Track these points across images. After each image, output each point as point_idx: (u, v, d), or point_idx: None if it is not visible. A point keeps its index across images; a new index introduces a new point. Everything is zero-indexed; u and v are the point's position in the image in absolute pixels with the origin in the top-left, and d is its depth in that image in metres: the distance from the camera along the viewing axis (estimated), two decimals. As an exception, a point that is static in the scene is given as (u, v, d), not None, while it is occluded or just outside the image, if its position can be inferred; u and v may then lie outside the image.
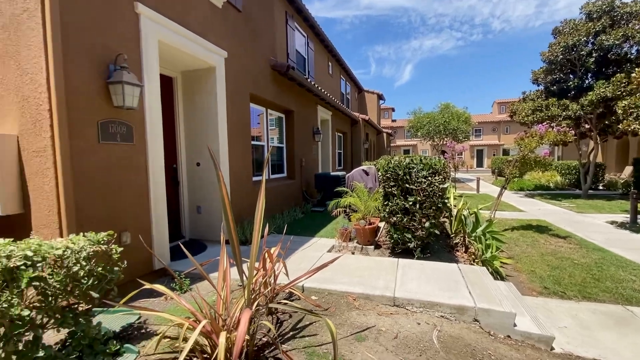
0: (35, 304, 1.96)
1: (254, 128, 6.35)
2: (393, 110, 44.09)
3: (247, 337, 1.81)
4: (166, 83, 4.64)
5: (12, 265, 1.82)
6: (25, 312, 1.86)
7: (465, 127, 21.82)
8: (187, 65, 4.64)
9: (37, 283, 1.91)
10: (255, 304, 2.18)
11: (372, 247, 4.62)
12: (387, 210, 4.33)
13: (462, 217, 5.12)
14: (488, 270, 3.88)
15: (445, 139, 21.69)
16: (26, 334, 1.89)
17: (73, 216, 2.74)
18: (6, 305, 1.77)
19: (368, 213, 4.84)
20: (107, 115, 3.04)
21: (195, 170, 5.01)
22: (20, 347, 1.88)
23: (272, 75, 6.65)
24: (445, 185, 4.26)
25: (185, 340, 2.05)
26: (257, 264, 2.48)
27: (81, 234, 2.27)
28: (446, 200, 4.48)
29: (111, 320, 2.64)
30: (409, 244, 4.21)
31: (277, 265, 2.85)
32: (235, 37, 5.25)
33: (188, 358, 2.01)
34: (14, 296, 1.82)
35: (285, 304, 2.67)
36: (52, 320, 2.04)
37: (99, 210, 3.00)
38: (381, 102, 23.76)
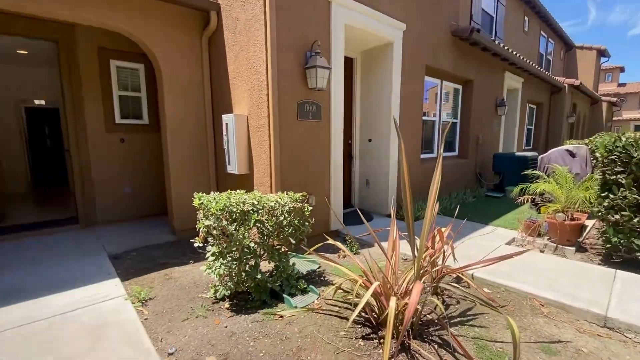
0: (255, 240, 2.66)
1: (424, 103, 6.06)
2: (621, 70, 31.65)
3: (418, 307, 1.84)
4: (347, 64, 5.02)
5: (245, 209, 2.52)
6: (251, 244, 2.56)
7: None
8: (367, 44, 4.85)
9: (259, 225, 2.57)
10: (423, 279, 2.17)
11: (573, 248, 3.66)
12: (604, 204, 3.28)
13: None
14: None
15: None
16: (250, 260, 2.62)
17: (279, 178, 3.49)
18: (241, 237, 2.48)
19: (571, 205, 3.82)
20: (303, 97, 3.62)
21: (366, 146, 5.32)
22: (247, 268, 2.61)
23: (452, 42, 6.05)
24: None
25: (358, 296, 2.29)
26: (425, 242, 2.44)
27: (285, 192, 2.87)
28: None
29: (300, 264, 3.26)
30: (637, 254, 3.08)
31: (445, 247, 2.72)
32: (414, 7, 5.03)
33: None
34: (245, 231, 2.52)
35: (455, 287, 2.53)
36: (265, 254, 2.72)
37: (294, 175, 3.68)
38: (603, 60, 17.57)
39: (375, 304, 2.25)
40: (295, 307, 2.52)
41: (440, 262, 2.66)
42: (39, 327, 2.26)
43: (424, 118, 6.10)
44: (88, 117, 4.50)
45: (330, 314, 2.44)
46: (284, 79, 3.42)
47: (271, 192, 3.50)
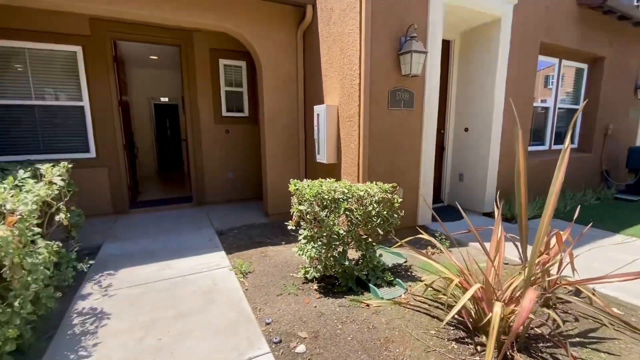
0: (344, 227, 2.71)
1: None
2: None
3: (531, 316, 1.63)
4: (443, 47, 4.64)
5: (336, 197, 2.57)
6: (340, 231, 2.62)
7: None
8: (468, 23, 4.40)
9: (348, 213, 2.60)
10: (534, 287, 1.91)
11: None
12: None
13: None
14: None
15: None
16: (339, 247, 2.68)
17: (366, 168, 3.47)
18: (331, 223, 2.54)
19: None
20: (395, 84, 3.50)
21: (462, 136, 4.88)
22: (335, 254, 2.68)
23: (577, 13, 5.05)
24: None
25: (453, 296, 2.14)
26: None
27: (373, 182, 2.84)
28: None
29: (386, 256, 3.20)
30: None
31: (562, 254, 2.32)
32: (528, -25, 4.35)
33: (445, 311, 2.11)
34: (335, 218, 2.58)
35: (579, 300, 2.16)
36: (353, 242, 2.74)
37: (382, 166, 3.61)
38: None
39: (472, 307, 2.07)
40: (382, 298, 2.50)
41: (554, 272, 2.31)
42: (165, 285, 2.74)
43: (535, 104, 5.29)
44: (201, 111, 5.18)
45: (419, 311, 2.35)
46: (377, 66, 3.35)
47: (358, 182, 3.51)
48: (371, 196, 2.66)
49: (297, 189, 2.58)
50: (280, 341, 2.04)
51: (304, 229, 2.65)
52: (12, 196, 1.85)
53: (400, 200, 2.76)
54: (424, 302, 2.46)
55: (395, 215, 2.76)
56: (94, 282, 2.78)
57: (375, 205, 2.65)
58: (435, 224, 4.09)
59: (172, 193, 6.29)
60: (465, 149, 4.86)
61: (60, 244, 2.33)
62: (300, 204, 2.57)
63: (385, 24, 3.34)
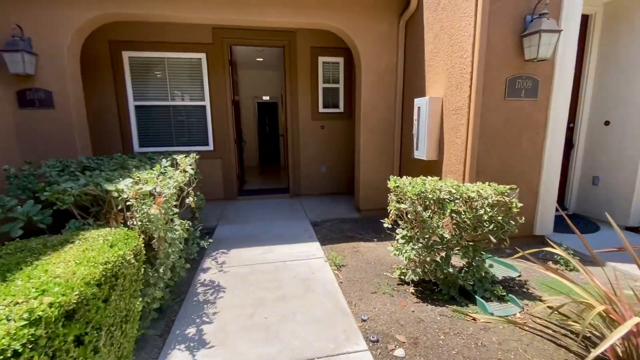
0: (447, 231, 2.49)
1: None
2: None
3: None
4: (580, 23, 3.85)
5: (441, 197, 2.38)
6: (445, 234, 2.42)
7: None
8: (616, -9, 3.55)
9: (455, 215, 2.38)
10: None
11: None
12: None
13: None
14: None
15: None
16: (442, 251, 2.48)
17: (474, 167, 3.13)
18: (435, 225, 2.37)
19: None
20: (515, 71, 3.04)
21: (599, 131, 3.99)
22: (437, 259, 2.49)
23: None
24: None
25: (593, 327, 1.76)
26: None
27: (486, 183, 2.53)
28: None
29: (495, 267, 2.84)
30: None
31: None
32: None
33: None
34: (439, 220, 2.39)
35: None
36: (458, 248, 2.50)
37: (492, 164, 3.20)
38: None
39: (618, 342, 1.66)
40: (492, 314, 2.22)
41: None
42: (269, 268, 2.97)
43: None
44: (300, 108, 5.45)
45: (540, 335, 2.01)
46: (493, 52, 2.96)
47: (463, 181, 3.19)
48: (484, 198, 2.37)
49: (398, 186, 2.48)
50: (378, 341, 1.99)
51: (402, 229, 2.53)
52: (160, 181, 2.24)
53: (520, 205, 2.39)
54: (547, 327, 2.09)
55: (512, 222, 2.41)
56: (211, 258, 3.20)
57: (488, 209, 2.35)
58: (559, 235, 3.46)
59: (271, 184, 6.84)
60: (603, 146, 3.96)
61: (190, 223, 2.74)
62: (399, 202, 2.46)
63: (507, 2, 2.91)
